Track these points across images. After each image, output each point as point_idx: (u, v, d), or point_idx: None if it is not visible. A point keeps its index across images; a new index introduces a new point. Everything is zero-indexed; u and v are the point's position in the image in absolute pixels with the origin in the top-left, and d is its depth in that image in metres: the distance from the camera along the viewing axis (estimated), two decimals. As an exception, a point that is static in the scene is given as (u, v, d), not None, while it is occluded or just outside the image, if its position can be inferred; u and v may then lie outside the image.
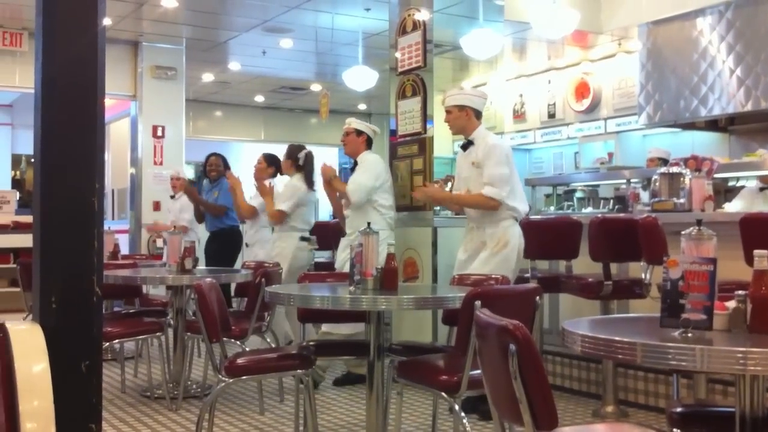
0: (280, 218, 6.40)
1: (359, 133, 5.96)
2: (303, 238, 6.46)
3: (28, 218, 9.59)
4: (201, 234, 8.28)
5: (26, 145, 14.80)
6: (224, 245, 7.81)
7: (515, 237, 4.97)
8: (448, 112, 5.15)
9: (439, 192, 5.41)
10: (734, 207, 5.87)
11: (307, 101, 14.24)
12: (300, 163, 6.43)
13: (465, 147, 5.16)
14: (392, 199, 5.96)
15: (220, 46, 10.97)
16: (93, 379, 1.78)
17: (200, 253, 7.73)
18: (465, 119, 5.10)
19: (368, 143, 6.00)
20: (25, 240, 8.70)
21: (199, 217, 8.02)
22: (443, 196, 5.38)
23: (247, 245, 7.15)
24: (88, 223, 1.80)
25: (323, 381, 5.82)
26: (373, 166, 5.87)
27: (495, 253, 4.94)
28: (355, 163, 5.97)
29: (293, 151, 6.49)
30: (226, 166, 7.92)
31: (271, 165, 6.90)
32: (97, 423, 1.78)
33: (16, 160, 15.56)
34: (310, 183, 6.46)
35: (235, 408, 5.17)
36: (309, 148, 6.67)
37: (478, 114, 5.14)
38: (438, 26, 6.45)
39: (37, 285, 1.81)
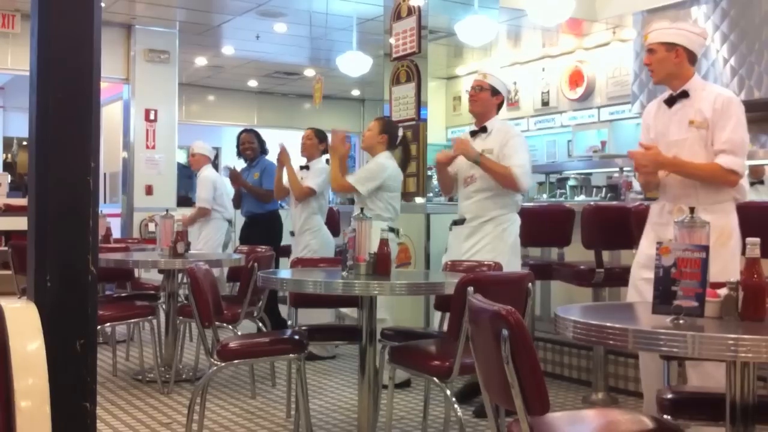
0: (307, 194, 6.05)
1: (495, 92, 4.84)
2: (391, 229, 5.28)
3: (19, 201, 9.58)
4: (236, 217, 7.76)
5: (18, 128, 14.74)
6: (265, 231, 6.87)
7: (737, 226, 3.75)
8: (650, 50, 3.83)
9: (662, 156, 3.70)
10: None
11: (300, 86, 14.21)
12: (397, 142, 5.51)
13: (672, 101, 3.83)
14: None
15: (214, 30, 10.93)
16: (88, 358, 1.78)
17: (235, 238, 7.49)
18: (674, 62, 3.77)
19: (499, 107, 4.91)
20: (16, 223, 8.69)
21: (237, 201, 7.26)
22: (668, 161, 3.70)
23: (293, 234, 6.35)
24: (83, 202, 1.80)
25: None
26: (526, 147, 4.86)
27: (718, 248, 3.35)
28: (482, 129, 4.85)
29: (391, 126, 5.58)
30: (262, 144, 7.21)
31: (322, 141, 6.35)
32: (91, 401, 1.79)
33: (7, 143, 15.50)
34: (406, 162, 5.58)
35: (226, 392, 5.18)
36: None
37: (693, 58, 3.82)
38: (433, 12, 6.44)
39: (32, 263, 1.81)
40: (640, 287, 3.74)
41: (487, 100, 4.80)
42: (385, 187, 5.26)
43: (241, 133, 7.31)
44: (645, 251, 3.83)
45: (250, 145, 7.12)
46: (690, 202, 3.51)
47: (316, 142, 6.31)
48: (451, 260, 4.59)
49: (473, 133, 4.86)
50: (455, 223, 4.94)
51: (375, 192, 5.22)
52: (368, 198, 5.22)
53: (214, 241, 7.35)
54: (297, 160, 6.36)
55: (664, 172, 3.76)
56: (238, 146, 7.23)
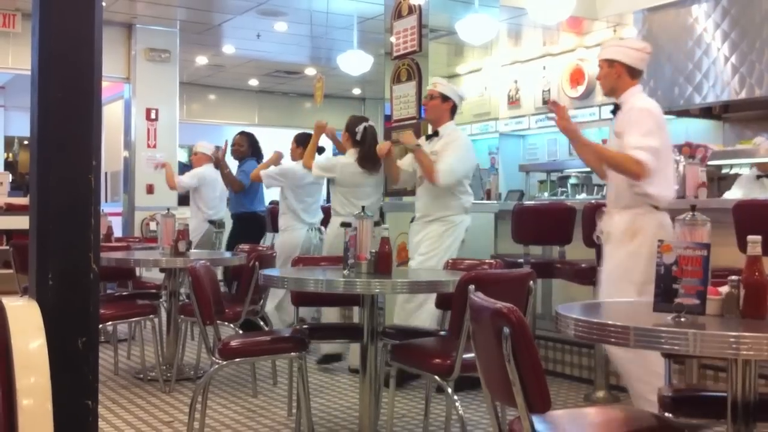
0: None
1: (445, 98, 5.22)
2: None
3: (20, 200, 9.58)
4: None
5: (19, 127, 14.74)
6: (244, 230, 7.29)
7: (650, 227, 3.98)
8: (599, 66, 4.19)
9: (573, 129, 4.14)
10: (734, 194, 5.89)
11: (301, 85, 14.21)
12: (357, 138, 5.73)
13: (614, 112, 4.20)
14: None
15: (215, 29, 10.93)
16: (89, 356, 1.78)
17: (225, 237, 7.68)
18: (614, 77, 4.09)
19: (452, 112, 5.30)
20: (17, 222, 8.69)
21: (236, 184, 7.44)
22: (578, 137, 4.17)
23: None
24: (85, 201, 1.80)
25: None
26: (466, 151, 5.24)
27: (620, 247, 4.07)
28: (435, 133, 5.29)
29: (352, 123, 5.83)
30: (255, 148, 7.49)
31: (300, 145, 6.50)
32: (93, 400, 1.79)
33: (8, 142, 15.51)
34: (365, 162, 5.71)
35: (228, 390, 5.18)
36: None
37: (633, 72, 4.09)
38: (433, 11, 6.44)
39: (34, 262, 1.81)
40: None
41: (438, 106, 5.22)
42: (337, 182, 5.74)
43: (238, 133, 7.65)
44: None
45: (239, 147, 7.46)
46: (615, 204, 4.09)
47: (295, 146, 6.59)
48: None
49: (429, 137, 5.26)
50: (412, 220, 5.42)
51: (332, 187, 5.84)
52: (333, 195, 5.85)
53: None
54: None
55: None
56: (232, 146, 7.59)
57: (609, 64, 4.10)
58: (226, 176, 7.33)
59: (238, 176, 7.31)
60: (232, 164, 7.55)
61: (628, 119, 3.98)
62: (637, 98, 4.08)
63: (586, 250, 4.91)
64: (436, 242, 5.16)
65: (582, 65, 9.65)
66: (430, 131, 5.43)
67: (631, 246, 3.96)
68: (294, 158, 6.56)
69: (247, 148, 7.45)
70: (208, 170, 7.71)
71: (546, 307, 5.86)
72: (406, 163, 5.44)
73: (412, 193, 6.15)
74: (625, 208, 4.03)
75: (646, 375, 3.72)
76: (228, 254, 5.69)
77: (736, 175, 6.68)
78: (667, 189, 4.05)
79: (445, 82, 5.42)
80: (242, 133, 7.61)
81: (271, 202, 7.90)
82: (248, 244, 6.20)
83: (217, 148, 7.40)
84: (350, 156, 5.71)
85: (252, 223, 7.42)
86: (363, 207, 4.00)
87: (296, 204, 6.38)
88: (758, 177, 6.28)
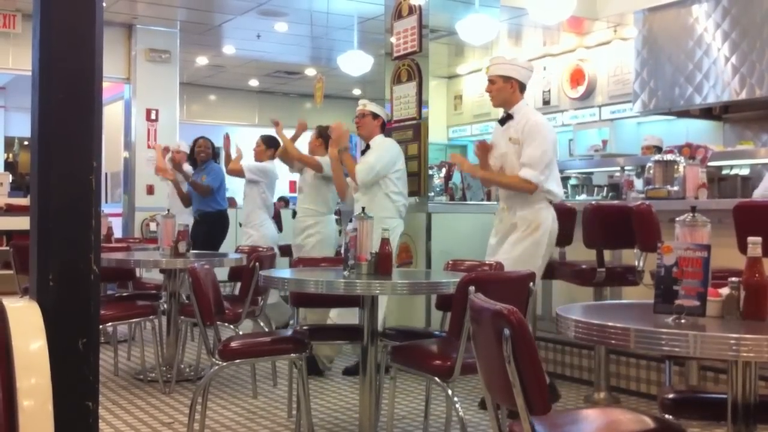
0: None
1: (375, 116, 5.78)
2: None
3: (20, 201, 9.58)
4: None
5: (19, 128, 14.75)
6: (213, 228, 7.65)
7: (548, 221, 4.79)
8: (491, 81, 4.89)
9: (474, 168, 5.16)
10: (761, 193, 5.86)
11: (301, 86, 14.21)
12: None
13: (503, 121, 4.93)
14: (405, 187, 5.77)
15: (215, 30, 10.93)
16: (90, 357, 1.78)
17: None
18: (509, 92, 4.86)
19: (382, 127, 5.85)
20: (18, 222, 8.69)
21: (186, 200, 7.87)
22: (479, 173, 5.14)
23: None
24: (86, 202, 1.80)
25: (329, 370, 5.81)
26: (386, 151, 5.70)
27: (524, 237, 4.77)
28: (367, 147, 5.77)
29: (322, 130, 6.42)
30: (215, 151, 7.85)
31: (270, 147, 7.02)
32: (94, 401, 1.79)
33: (9, 143, 15.51)
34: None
35: (228, 392, 5.18)
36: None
37: (522, 87, 4.91)
38: (434, 11, 6.43)
39: (35, 263, 1.81)
40: None
41: (370, 123, 5.74)
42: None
43: (197, 139, 7.92)
44: (489, 240, 5.00)
45: (206, 150, 7.76)
46: (512, 201, 4.83)
47: (264, 148, 7.10)
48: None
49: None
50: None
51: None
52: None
53: None
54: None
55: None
56: (193, 150, 7.89)
57: (505, 80, 4.83)
58: (194, 184, 7.62)
59: (207, 180, 7.60)
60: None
61: (525, 130, 4.74)
62: (529, 111, 4.91)
63: (586, 251, 4.92)
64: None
65: (582, 65, 9.65)
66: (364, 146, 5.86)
67: (535, 236, 4.73)
68: (260, 159, 7.09)
69: (211, 151, 7.83)
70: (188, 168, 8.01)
71: (546, 308, 5.86)
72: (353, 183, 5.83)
73: (414, 194, 6.17)
74: (526, 204, 4.78)
75: None
76: (238, 256, 5.67)
77: (737, 176, 6.67)
78: (559, 187, 4.92)
79: (372, 102, 5.97)
80: (205, 138, 7.93)
81: (281, 198, 8.06)
82: (214, 242, 7.01)
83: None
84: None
85: (222, 222, 7.74)
86: (363, 208, 4.00)
87: (271, 200, 7.27)
88: None
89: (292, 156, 6.39)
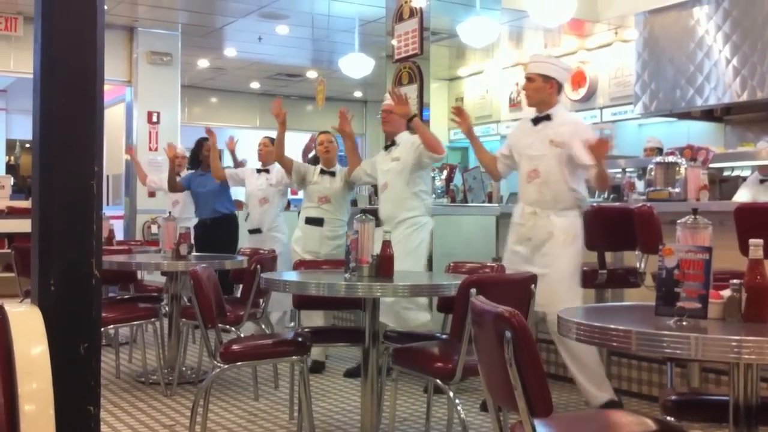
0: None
1: None
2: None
3: (22, 203, 9.59)
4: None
5: (20, 131, 14.76)
6: (230, 231, 7.39)
7: (581, 228, 4.58)
8: (530, 79, 4.65)
9: (600, 151, 4.49)
10: (742, 197, 5.88)
11: (303, 88, 14.22)
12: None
13: (538, 121, 4.64)
14: (429, 186, 5.66)
15: (216, 32, 10.94)
16: (92, 362, 1.78)
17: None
18: (548, 92, 4.60)
19: (407, 125, 5.54)
20: (19, 225, 8.71)
21: (173, 185, 7.58)
22: (600, 167, 4.53)
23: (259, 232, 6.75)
24: (87, 206, 1.80)
25: (324, 369, 5.82)
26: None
27: (565, 246, 4.51)
28: (392, 143, 5.53)
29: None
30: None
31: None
32: (95, 405, 1.79)
33: (10, 146, 15.52)
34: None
35: (229, 394, 5.18)
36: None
37: (560, 88, 4.69)
38: (435, 13, 6.45)
39: (36, 267, 1.81)
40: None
41: (397, 119, 5.44)
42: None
43: (202, 140, 7.61)
44: (510, 246, 4.66)
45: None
46: (543, 206, 4.50)
47: (272, 148, 6.61)
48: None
49: (387, 147, 5.50)
50: (377, 224, 5.39)
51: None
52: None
53: None
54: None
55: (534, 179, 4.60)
56: (196, 153, 7.65)
57: (545, 79, 4.57)
58: (215, 160, 7.18)
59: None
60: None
61: (571, 132, 4.49)
62: (568, 114, 4.77)
63: (587, 253, 4.91)
64: (405, 244, 5.18)
65: (583, 68, 9.66)
66: (386, 142, 5.62)
67: (575, 245, 4.52)
68: (267, 160, 6.74)
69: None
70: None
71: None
72: (367, 164, 5.75)
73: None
74: (564, 209, 4.52)
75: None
76: (241, 258, 5.64)
77: (738, 178, 6.67)
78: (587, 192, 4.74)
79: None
80: (207, 140, 7.57)
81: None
82: (232, 246, 6.69)
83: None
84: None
85: (236, 224, 7.48)
86: (363, 211, 4.00)
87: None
88: (761, 181, 6.28)
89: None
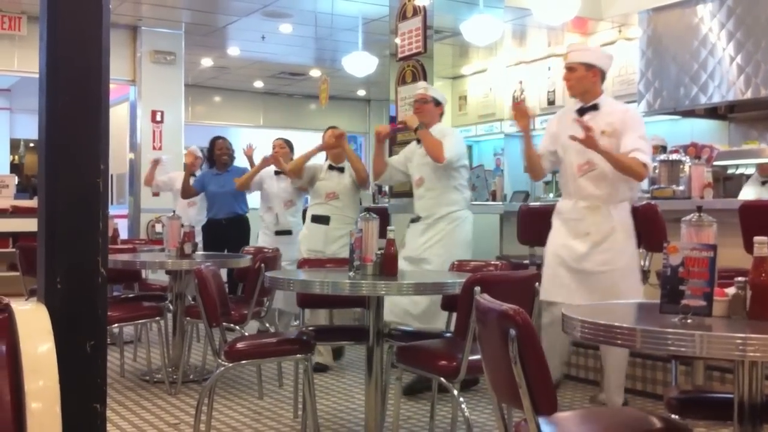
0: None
1: (437, 103, 5.38)
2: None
3: (26, 203, 9.60)
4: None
5: (25, 130, 14.79)
6: (245, 231, 7.36)
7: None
8: (571, 69, 4.45)
9: (597, 143, 4.22)
10: (747, 195, 5.87)
11: (306, 87, 14.23)
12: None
13: (583, 112, 4.40)
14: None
15: (219, 31, 10.94)
16: (98, 360, 1.79)
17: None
18: (591, 81, 4.43)
19: (441, 117, 5.46)
20: (24, 224, 8.71)
21: (187, 190, 7.45)
22: (600, 147, 4.23)
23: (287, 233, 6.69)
24: (93, 204, 1.80)
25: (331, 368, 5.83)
26: (458, 140, 5.37)
27: (627, 242, 4.36)
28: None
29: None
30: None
31: (291, 150, 6.74)
32: (101, 403, 1.79)
33: (14, 145, 15.55)
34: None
35: (234, 392, 5.19)
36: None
37: (603, 77, 4.51)
38: (438, 12, 6.44)
39: (42, 265, 1.81)
40: (560, 274, 4.41)
41: (432, 110, 5.33)
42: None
43: (216, 139, 7.45)
44: (562, 242, 4.45)
45: (227, 151, 7.32)
46: (602, 201, 4.31)
47: (288, 149, 6.63)
48: (408, 255, 5.15)
49: (419, 140, 5.32)
50: (412, 220, 5.44)
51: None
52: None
53: None
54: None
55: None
56: (211, 152, 7.41)
57: (587, 67, 4.41)
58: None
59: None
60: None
61: (624, 120, 4.31)
62: (617, 102, 4.58)
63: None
64: (449, 240, 5.18)
65: (587, 66, 9.64)
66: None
67: (634, 239, 4.38)
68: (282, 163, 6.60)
69: (232, 151, 7.49)
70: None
71: (552, 308, 5.84)
72: (397, 161, 5.57)
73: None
74: (621, 201, 4.35)
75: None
76: (248, 257, 5.62)
77: (742, 175, 6.66)
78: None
79: (434, 88, 5.61)
80: (223, 138, 7.55)
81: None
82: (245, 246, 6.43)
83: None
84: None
85: (246, 225, 7.42)
86: (366, 209, 4.00)
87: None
88: (763, 183, 6.28)
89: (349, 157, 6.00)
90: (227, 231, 7.22)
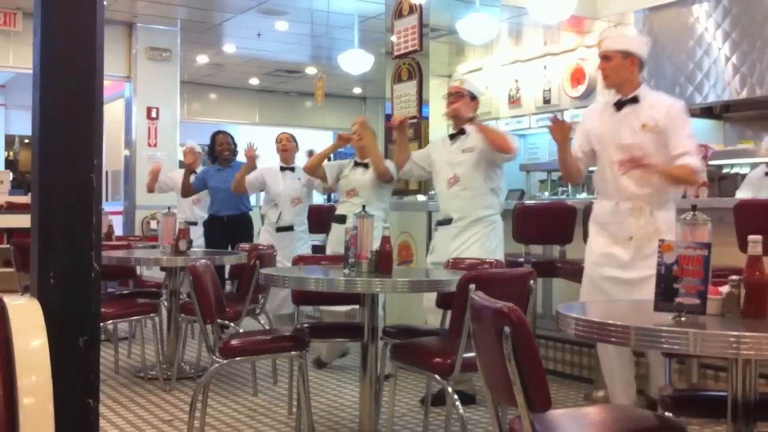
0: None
1: (473, 97, 5.00)
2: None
3: (21, 199, 9.59)
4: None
5: (19, 126, 14.76)
6: (248, 229, 7.18)
7: None
8: (606, 57, 4.02)
9: (649, 165, 3.86)
10: (744, 193, 5.88)
11: (302, 84, 14.22)
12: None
13: (622, 105, 4.03)
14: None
15: (215, 28, 10.93)
16: (91, 355, 1.79)
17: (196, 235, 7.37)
18: (629, 69, 3.98)
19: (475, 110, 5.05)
20: (18, 220, 8.70)
21: (187, 189, 7.30)
22: (654, 168, 3.87)
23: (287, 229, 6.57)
24: (87, 200, 1.80)
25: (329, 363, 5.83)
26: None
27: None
28: (461, 131, 4.96)
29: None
30: (235, 145, 7.29)
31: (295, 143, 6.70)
32: (94, 398, 1.79)
33: (9, 141, 15.53)
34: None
35: (228, 389, 5.19)
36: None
37: (642, 66, 4.06)
38: (434, 10, 6.44)
39: (36, 261, 1.81)
40: (603, 286, 4.03)
41: (467, 104, 4.92)
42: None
43: (217, 134, 7.30)
44: (602, 249, 4.05)
45: (229, 146, 7.14)
46: (646, 201, 3.92)
47: (295, 145, 6.60)
48: (437, 261, 4.83)
49: (452, 136, 4.99)
50: (440, 223, 5.06)
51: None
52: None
53: None
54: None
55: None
56: (212, 147, 7.22)
57: (624, 55, 3.97)
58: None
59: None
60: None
61: (669, 114, 3.91)
62: (660, 94, 4.14)
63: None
64: (482, 244, 4.85)
65: (583, 65, 9.64)
66: (452, 131, 5.09)
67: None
68: (292, 158, 6.65)
69: (234, 146, 7.33)
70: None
71: (546, 306, 5.86)
72: (418, 156, 5.26)
73: (414, 192, 6.17)
74: (666, 202, 3.99)
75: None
76: (243, 254, 5.60)
77: (737, 175, 6.67)
78: None
79: (471, 81, 5.20)
80: (224, 132, 7.37)
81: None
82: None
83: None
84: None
85: (250, 222, 7.28)
86: (364, 206, 4.00)
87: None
88: (767, 174, 6.25)
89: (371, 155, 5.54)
90: (229, 228, 7.03)
